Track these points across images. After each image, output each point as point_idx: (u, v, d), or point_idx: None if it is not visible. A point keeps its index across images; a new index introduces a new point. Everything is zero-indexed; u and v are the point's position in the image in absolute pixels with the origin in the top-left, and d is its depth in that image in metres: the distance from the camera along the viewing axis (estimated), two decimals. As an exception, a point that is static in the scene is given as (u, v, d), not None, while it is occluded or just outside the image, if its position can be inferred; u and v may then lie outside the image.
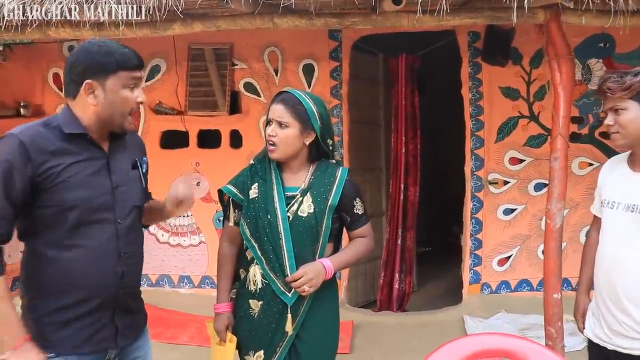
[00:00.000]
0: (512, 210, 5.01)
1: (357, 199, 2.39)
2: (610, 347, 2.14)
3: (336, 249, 2.45)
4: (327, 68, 5.07)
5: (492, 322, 4.68)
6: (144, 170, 2.09)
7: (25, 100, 5.25)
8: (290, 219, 2.28)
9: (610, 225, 2.17)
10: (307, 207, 2.32)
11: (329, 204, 2.31)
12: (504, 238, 5.02)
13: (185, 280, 5.31)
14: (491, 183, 4.99)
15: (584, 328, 2.32)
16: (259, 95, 5.15)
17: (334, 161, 2.45)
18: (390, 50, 5.43)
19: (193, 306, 5.06)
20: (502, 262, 5.04)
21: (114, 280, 1.91)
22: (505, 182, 4.99)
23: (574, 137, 4.81)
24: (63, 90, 1.95)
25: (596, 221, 2.35)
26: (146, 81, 5.25)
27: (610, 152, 4.94)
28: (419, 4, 2.95)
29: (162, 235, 5.32)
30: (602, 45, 4.84)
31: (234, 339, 2.34)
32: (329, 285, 2.36)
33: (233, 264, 2.42)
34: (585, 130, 4.94)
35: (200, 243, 5.29)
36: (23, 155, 1.75)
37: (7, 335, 1.77)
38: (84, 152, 1.87)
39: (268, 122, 2.34)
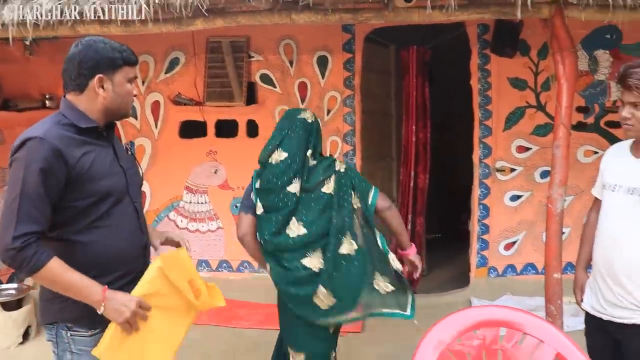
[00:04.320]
0: (519, 197, 5.16)
1: None
2: (605, 317, 2.33)
3: None
4: (341, 60, 5.21)
5: (498, 303, 4.82)
6: (133, 153, 2.29)
7: (50, 92, 5.41)
8: None
9: (610, 207, 2.34)
10: None
11: None
12: (511, 223, 5.18)
13: (204, 264, 5.52)
14: (498, 170, 5.14)
15: (581, 301, 2.50)
16: (274, 86, 5.32)
17: None
18: (401, 42, 5.56)
19: (211, 289, 5.28)
20: (508, 247, 5.20)
21: (142, 252, 2.13)
22: (512, 170, 5.14)
23: (580, 126, 4.96)
24: (65, 84, 2.04)
25: (596, 203, 2.53)
26: (166, 73, 5.44)
27: (614, 141, 5.04)
28: (429, 0, 3.13)
29: (181, 221, 5.53)
30: (608, 36, 4.95)
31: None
32: None
33: None
34: (591, 120, 5.06)
35: (217, 229, 5.49)
36: (58, 157, 1.88)
37: (89, 297, 1.90)
38: (98, 143, 2.04)
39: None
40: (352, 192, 2.78)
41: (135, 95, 2.14)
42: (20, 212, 1.83)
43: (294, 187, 2.70)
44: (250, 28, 4.92)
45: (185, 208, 5.48)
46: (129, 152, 2.27)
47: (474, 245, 5.22)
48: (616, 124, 5.08)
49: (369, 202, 2.78)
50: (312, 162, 2.78)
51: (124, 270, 2.04)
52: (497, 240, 5.20)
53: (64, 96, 2.07)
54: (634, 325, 2.23)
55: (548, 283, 3.34)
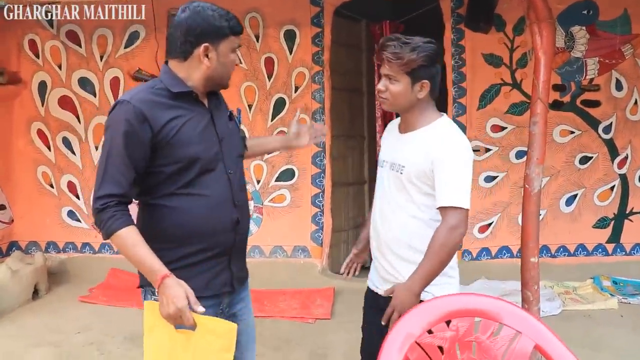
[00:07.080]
0: (494, 178, 5.03)
1: None
2: (379, 292, 2.28)
3: None
4: (309, 34, 5.03)
5: (472, 288, 4.75)
6: (239, 120, 2.22)
7: (1, 67, 5.14)
8: None
9: (379, 182, 2.32)
10: None
11: None
12: (486, 205, 5.06)
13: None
14: (473, 150, 4.98)
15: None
16: (239, 61, 5.09)
17: None
18: (372, 17, 5.39)
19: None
20: (483, 229, 5.09)
21: (231, 226, 2.01)
22: (487, 150, 5.02)
23: (556, 105, 4.85)
24: (169, 50, 1.98)
25: None
26: (125, 47, 5.20)
27: (591, 121, 4.98)
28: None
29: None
30: (585, 12, 4.85)
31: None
32: None
33: None
34: (567, 98, 4.96)
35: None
36: (140, 118, 1.85)
37: (149, 278, 1.85)
38: (192, 109, 1.98)
39: None
40: None
41: (237, 64, 2.08)
42: (105, 174, 1.87)
43: None
44: (214, -1, 4.72)
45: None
46: (234, 120, 2.18)
47: (448, 227, 5.08)
48: (593, 103, 4.98)
49: None
50: None
51: (208, 243, 1.96)
52: (472, 222, 5.06)
53: (166, 62, 2.02)
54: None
55: (524, 267, 3.17)
